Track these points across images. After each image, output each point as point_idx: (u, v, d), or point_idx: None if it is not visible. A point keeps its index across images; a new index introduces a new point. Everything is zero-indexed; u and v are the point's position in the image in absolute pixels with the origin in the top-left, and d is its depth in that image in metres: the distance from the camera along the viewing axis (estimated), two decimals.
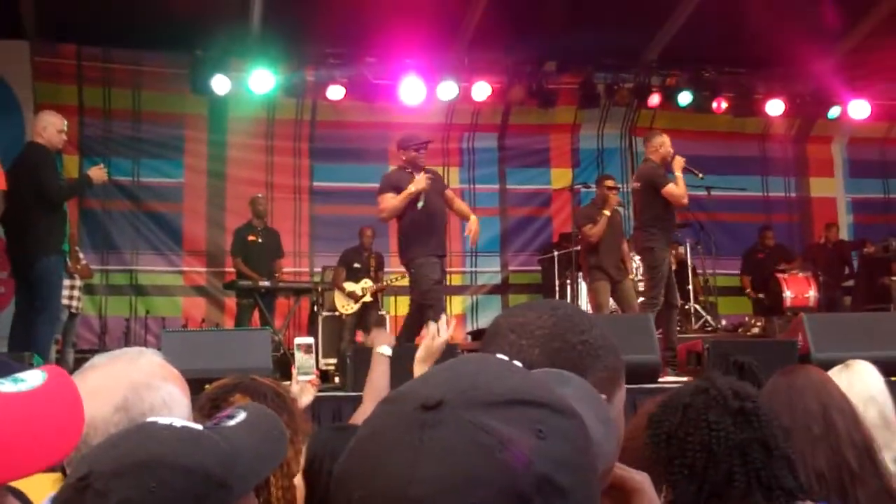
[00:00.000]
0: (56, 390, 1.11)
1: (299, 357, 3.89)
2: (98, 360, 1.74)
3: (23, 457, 1.04)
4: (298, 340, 3.99)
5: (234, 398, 2.43)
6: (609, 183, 9.76)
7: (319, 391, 4.21)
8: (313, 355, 3.88)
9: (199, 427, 1.27)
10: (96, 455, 1.18)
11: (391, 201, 8.05)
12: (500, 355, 1.00)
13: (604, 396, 1.28)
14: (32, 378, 1.11)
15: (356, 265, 11.01)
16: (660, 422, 1.81)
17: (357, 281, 10.91)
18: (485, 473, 0.82)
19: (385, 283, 10.91)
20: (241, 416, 1.33)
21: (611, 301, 11.04)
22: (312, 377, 3.78)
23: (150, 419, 1.35)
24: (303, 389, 3.69)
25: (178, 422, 1.27)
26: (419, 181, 7.99)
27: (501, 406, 0.86)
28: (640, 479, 1.25)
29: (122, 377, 1.66)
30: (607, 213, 9.47)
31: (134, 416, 1.61)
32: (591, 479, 0.90)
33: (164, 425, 1.25)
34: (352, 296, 10.78)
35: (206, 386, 5.85)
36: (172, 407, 1.67)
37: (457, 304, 12.84)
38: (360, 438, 0.90)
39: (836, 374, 2.99)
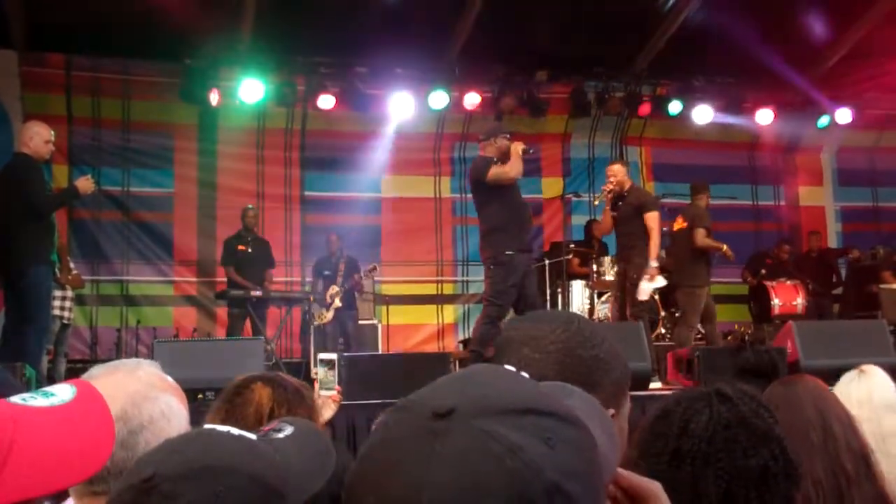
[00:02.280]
0: (86, 403, 1.11)
1: (322, 372, 3.90)
2: (96, 371, 1.74)
3: (59, 471, 1.04)
4: (322, 356, 4.01)
5: (255, 385, 2.47)
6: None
7: None
8: (336, 371, 3.89)
9: (253, 437, 1.28)
10: (157, 457, 1.19)
11: (509, 165, 7.66)
12: (508, 366, 1.01)
13: (612, 411, 1.30)
14: (62, 392, 1.11)
15: (326, 272, 11.05)
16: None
17: (327, 289, 10.93)
18: (495, 481, 0.83)
19: (348, 286, 10.87)
20: (289, 430, 1.34)
21: (600, 310, 11.09)
22: (334, 392, 3.81)
23: (206, 427, 1.36)
24: (324, 404, 3.73)
25: (235, 430, 1.27)
26: (519, 144, 7.79)
27: (511, 415, 0.88)
28: (655, 488, 1.25)
29: (120, 388, 1.66)
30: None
31: (133, 428, 1.61)
32: (598, 488, 0.91)
33: (223, 432, 1.26)
34: (322, 303, 10.82)
35: (199, 395, 5.85)
36: (171, 418, 1.67)
37: (448, 313, 12.86)
38: (371, 446, 0.92)
39: (851, 381, 2.97)
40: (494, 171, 7.63)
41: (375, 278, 11.93)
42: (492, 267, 7.66)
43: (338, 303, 10.80)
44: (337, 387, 3.91)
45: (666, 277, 9.42)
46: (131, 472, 1.19)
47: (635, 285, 8.79)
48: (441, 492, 0.83)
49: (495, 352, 1.49)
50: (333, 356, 4.05)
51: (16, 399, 1.09)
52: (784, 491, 1.68)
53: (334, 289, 10.86)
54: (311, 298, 11.12)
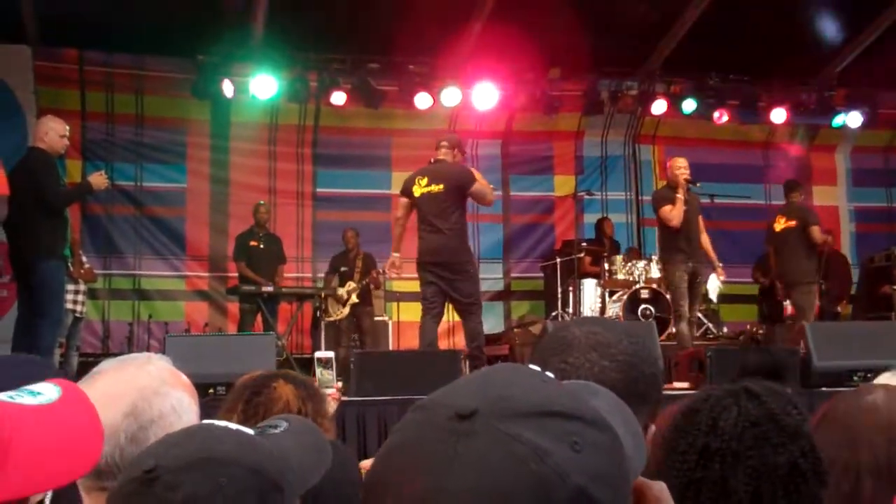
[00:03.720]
0: (73, 404, 1.11)
1: (320, 371, 3.91)
2: (106, 365, 1.73)
3: (55, 468, 1.03)
4: (318, 354, 4.02)
5: (276, 384, 2.48)
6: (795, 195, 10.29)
7: None
8: (333, 369, 3.89)
9: (251, 432, 1.29)
10: (159, 450, 1.21)
11: (490, 193, 8.46)
12: (532, 366, 0.99)
13: (653, 427, 1.33)
14: (48, 391, 1.11)
15: (343, 269, 11.04)
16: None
17: (343, 285, 10.93)
18: (520, 485, 0.81)
19: (366, 281, 10.88)
20: (284, 425, 1.36)
21: (611, 308, 11.05)
22: (333, 391, 3.81)
23: (206, 421, 1.37)
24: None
25: (233, 425, 1.29)
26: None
27: (536, 417, 0.85)
28: (660, 489, 1.24)
29: (131, 383, 1.66)
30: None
31: (143, 423, 1.61)
32: (625, 492, 0.89)
33: (222, 426, 1.28)
34: (338, 300, 10.82)
35: (210, 390, 5.86)
36: (181, 413, 1.66)
37: None
38: (391, 446, 0.89)
39: (888, 382, 2.77)
40: (479, 188, 8.03)
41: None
42: (470, 269, 8.05)
43: (354, 299, 10.81)
44: (336, 384, 3.90)
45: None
46: (133, 464, 1.21)
47: (703, 284, 9.20)
48: (463, 495, 0.81)
49: (554, 345, 1.50)
50: (331, 354, 4.05)
51: (2, 397, 1.08)
52: (813, 490, 1.65)
53: (351, 285, 10.86)
54: (323, 295, 11.12)
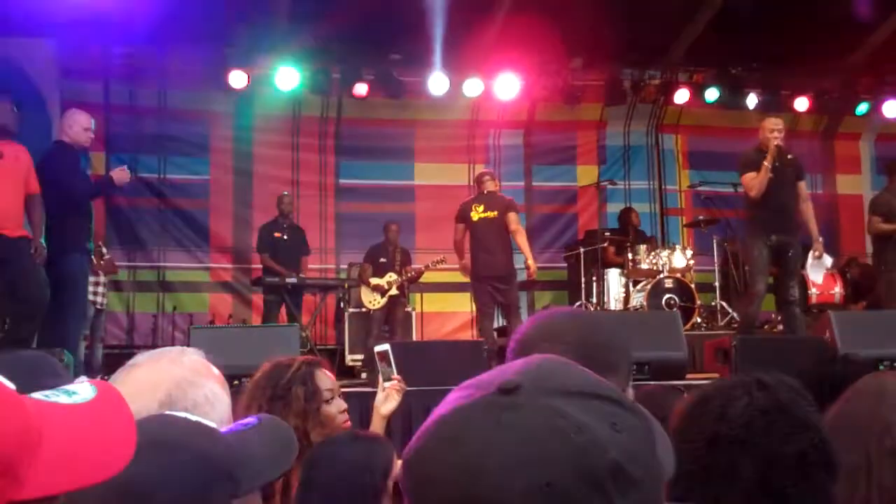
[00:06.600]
0: (108, 403, 1.12)
1: (379, 365, 3.90)
2: (141, 357, 1.76)
3: (87, 467, 1.04)
4: (378, 348, 3.98)
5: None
6: None
7: (345, 387, 4.24)
8: (392, 362, 3.87)
9: (213, 424, 1.33)
10: None
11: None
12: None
13: (631, 391, 1.36)
14: (83, 391, 1.12)
15: (382, 260, 11.03)
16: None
17: (382, 276, 10.93)
18: (561, 454, 0.84)
19: (411, 274, 10.91)
20: (253, 422, 1.39)
21: (635, 298, 11.01)
22: (394, 382, 3.80)
23: (167, 412, 1.40)
24: (388, 396, 3.74)
25: (193, 416, 1.32)
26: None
27: (577, 396, 0.89)
28: None
29: (166, 374, 1.68)
30: None
31: (177, 412, 1.63)
32: (658, 481, 0.92)
33: (181, 416, 1.31)
34: (378, 289, 10.81)
35: (235, 382, 5.88)
36: (215, 404, 1.68)
37: None
38: (434, 420, 0.92)
39: None
40: (516, 217, 9.33)
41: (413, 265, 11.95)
42: (515, 279, 9.39)
43: (395, 291, 10.82)
44: (395, 376, 3.86)
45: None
46: None
47: (797, 259, 8.56)
48: (505, 461, 0.83)
49: (516, 353, 1.54)
50: (387, 347, 3.99)
51: (38, 395, 1.09)
52: (822, 483, 1.66)
53: (392, 276, 10.86)
54: (346, 285, 11.14)
